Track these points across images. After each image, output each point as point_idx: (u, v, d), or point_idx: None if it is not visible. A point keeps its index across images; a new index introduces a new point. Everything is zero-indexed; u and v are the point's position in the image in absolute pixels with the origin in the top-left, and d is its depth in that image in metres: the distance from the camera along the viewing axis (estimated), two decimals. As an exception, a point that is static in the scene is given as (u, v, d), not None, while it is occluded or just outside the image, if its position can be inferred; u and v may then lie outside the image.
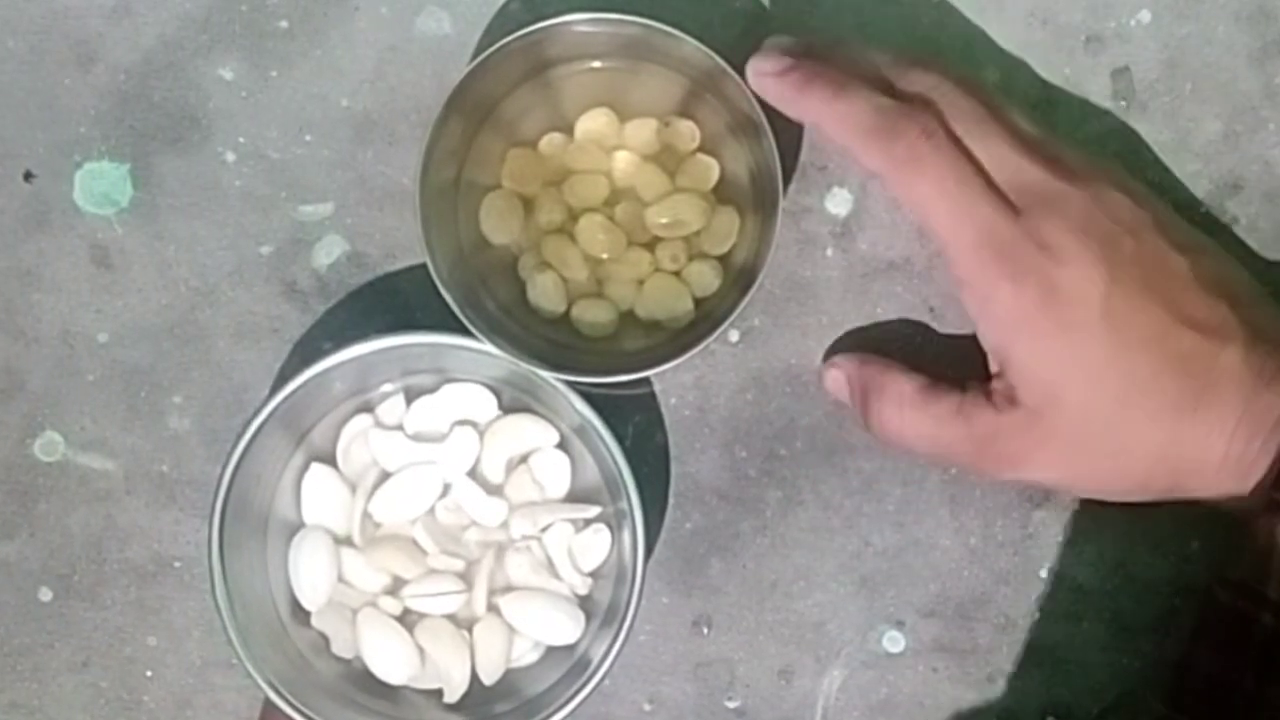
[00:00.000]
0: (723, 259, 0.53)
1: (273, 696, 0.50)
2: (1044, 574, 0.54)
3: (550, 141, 0.54)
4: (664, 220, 0.53)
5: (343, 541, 0.53)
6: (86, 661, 0.55)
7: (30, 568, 0.55)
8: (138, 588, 0.55)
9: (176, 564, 0.55)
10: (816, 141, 0.55)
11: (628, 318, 0.53)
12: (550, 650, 0.53)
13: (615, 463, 0.51)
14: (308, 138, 0.55)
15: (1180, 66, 0.55)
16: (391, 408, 0.54)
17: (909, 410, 0.50)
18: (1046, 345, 0.47)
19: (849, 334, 0.55)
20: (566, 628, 0.52)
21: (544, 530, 0.53)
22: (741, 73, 0.50)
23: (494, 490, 0.53)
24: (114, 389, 0.55)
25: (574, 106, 0.54)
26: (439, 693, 0.53)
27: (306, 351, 0.55)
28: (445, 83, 0.51)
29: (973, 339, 0.53)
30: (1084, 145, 0.54)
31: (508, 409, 0.54)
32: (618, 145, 0.53)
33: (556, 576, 0.53)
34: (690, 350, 0.50)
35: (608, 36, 0.51)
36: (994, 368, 0.49)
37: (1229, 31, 0.55)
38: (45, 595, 0.55)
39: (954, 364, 0.54)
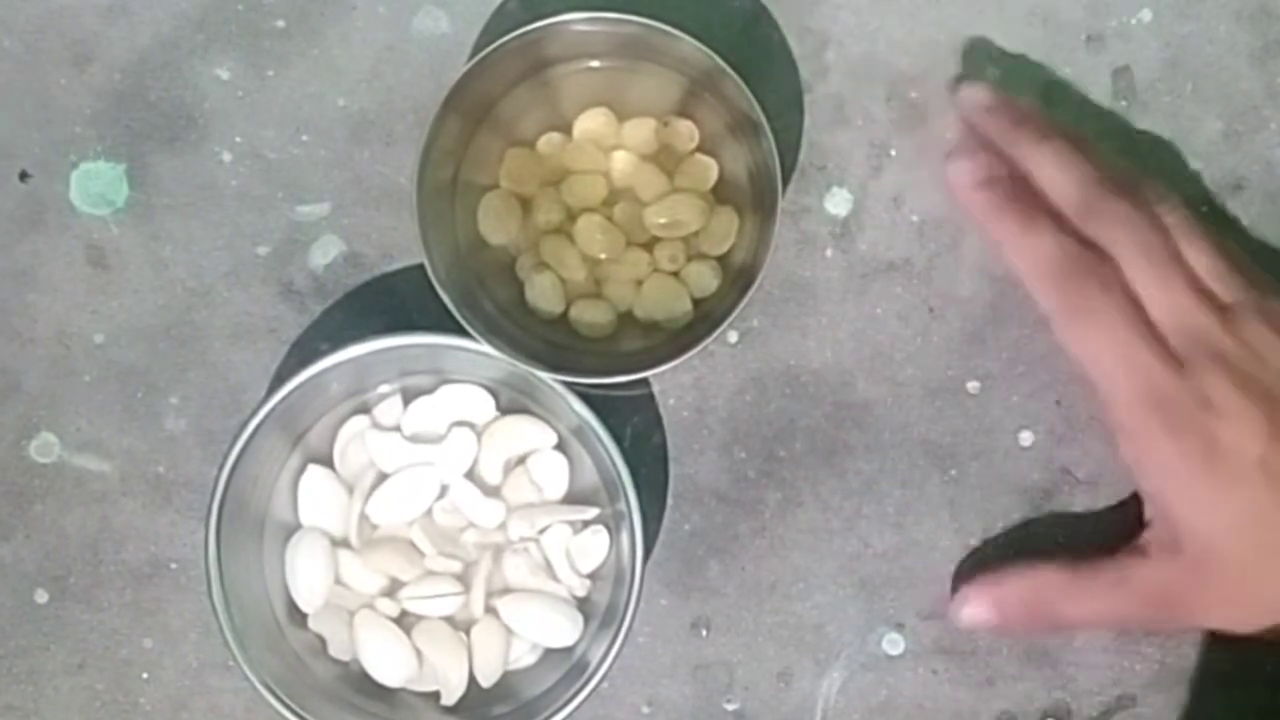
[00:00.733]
0: (721, 259, 0.53)
1: (269, 699, 0.50)
2: (1044, 576, 0.54)
3: (548, 141, 0.54)
4: (662, 220, 0.52)
5: (340, 543, 0.53)
6: (82, 664, 0.55)
7: (26, 569, 0.55)
8: (134, 590, 0.55)
9: (173, 566, 0.55)
10: (815, 141, 0.55)
11: (626, 318, 0.53)
12: (548, 652, 0.53)
13: (613, 464, 0.50)
14: (304, 137, 0.55)
15: (1181, 66, 0.54)
16: (389, 409, 0.53)
17: (1074, 598, 0.50)
18: (1205, 498, 0.48)
19: (849, 335, 0.54)
20: (564, 629, 0.52)
21: (542, 532, 0.53)
22: (740, 72, 0.49)
23: (492, 492, 0.53)
24: (110, 390, 0.55)
25: (572, 106, 0.53)
26: (436, 695, 0.52)
27: (303, 352, 0.55)
28: (443, 82, 0.51)
29: (973, 340, 0.53)
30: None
31: (505, 410, 0.54)
32: (616, 145, 0.53)
33: (554, 578, 0.53)
34: (689, 351, 0.50)
35: (606, 36, 0.51)
36: (1149, 514, 0.50)
37: (1230, 30, 0.54)
38: (41, 597, 0.55)
39: (953, 364, 0.54)
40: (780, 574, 0.54)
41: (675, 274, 0.53)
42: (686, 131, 0.53)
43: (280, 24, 0.55)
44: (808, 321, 0.55)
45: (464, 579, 0.53)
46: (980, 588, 0.52)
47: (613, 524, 0.53)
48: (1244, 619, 0.49)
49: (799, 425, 0.55)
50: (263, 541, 0.53)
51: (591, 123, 0.53)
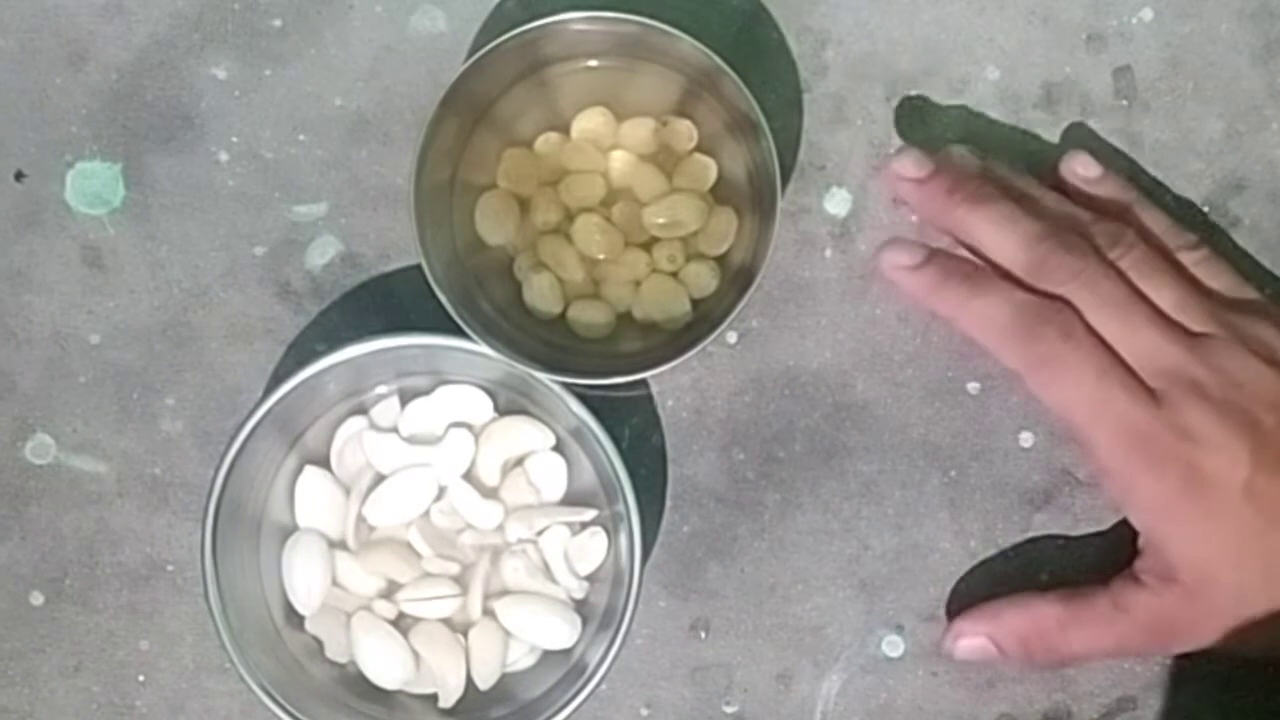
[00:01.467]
0: (720, 259, 0.53)
1: (266, 701, 0.50)
2: (1045, 578, 0.54)
3: (546, 141, 0.53)
4: (661, 220, 0.52)
5: (337, 545, 0.53)
6: (78, 666, 0.55)
7: (21, 571, 0.55)
8: (130, 591, 0.55)
9: (169, 568, 0.55)
10: (814, 140, 0.54)
11: (625, 319, 0.53)
12: (546, 654, 0.53)
13: (612, 465, 0.50)
14: (301, 137, 0.55)
15: (1182, 65, 0.54)
16: (386, 410, 0.53)
17: (1071, 630, 0.50)
18: (1194, 527, 0.48)
19: (849, 336, 0.54)
20: (563, 632, 0.52)
21: (540, 533, 0.52)
22: (739, 71, 0.49)
23: (489, 493, 0.53)
24: (106, 391, 0.55)
25: (570, 105, 0.53)
26: (434, 697, 0.52)
27: (300, 353, 0.55)
28: (440, 82, 0.51)
29: (972, 341, 0.53)
30: (1085, 145, 0.54)
31: (503, 411, 0.53)
32: (614, 145, 0.53)
33: (552, 580, 0.52)
34: (688, 352, 0.50)
35: (604, 35, 0.51)
36: (1142, 544, 0.50)
37: (1232, 30, 0.54)
38: (36, 599, 0.55)
39: (953, 365, 0.54)
40: (779, 576, 0.54)
41: (674, 274, 0.53)
42: (685, 131, 0.53)
43: (277, 23, 0.55)
44: (807, 322, 0.54)
45: (462, 581, 0.52)
46: (975, 622, 0.52)
47: (611, 526, 0.52)
48: (1242, 642, 0.49)
49: (798, 426, 0.54)
50: (259, 543, 0.53)
51: (590, 122, 0.53)
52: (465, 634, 0.52)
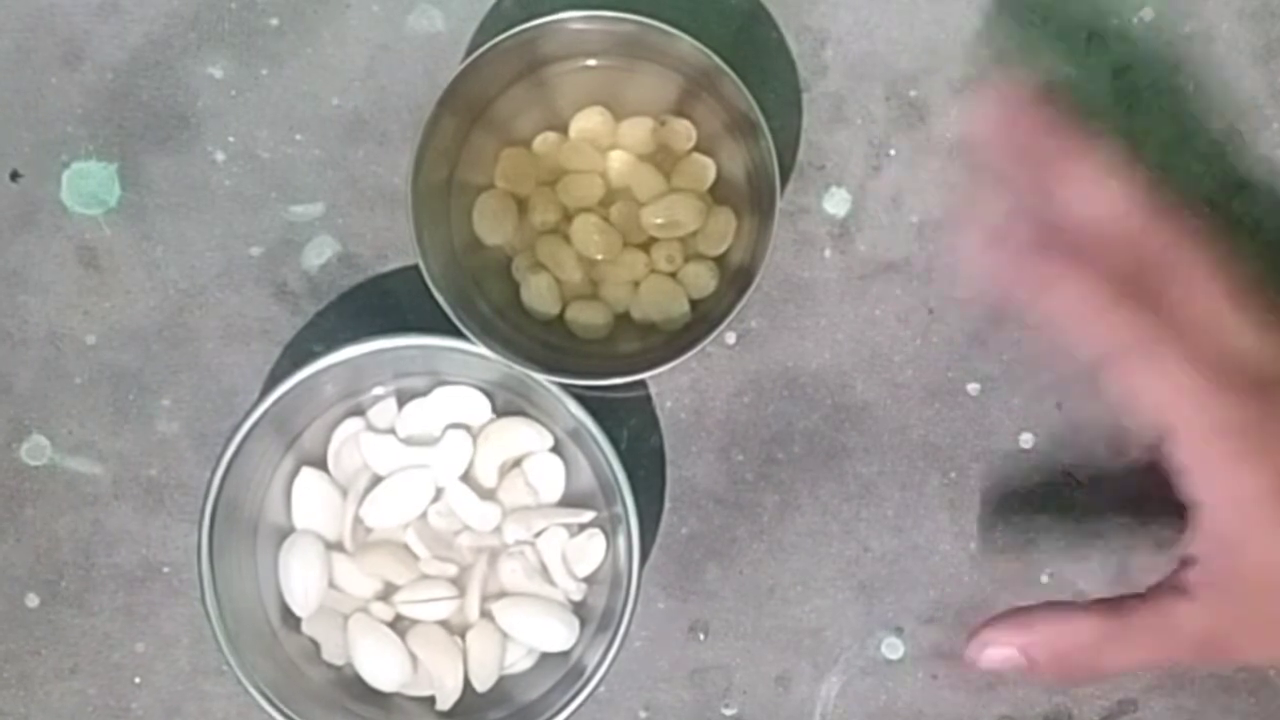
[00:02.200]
0: (719, 260, 0.53)
1: (262, 704, 0.49)
2: (1045, 579, 0.54)
3: (544, 141, 0.53)
4: (660, 221, 0.52)
5: (334, 546, 0.53)
6: (74, 668, 0.55)
7: (17, 573, 0.55)
8: (126, 593, 0.55)
9: (165, 569, 0.55)
10: (813, 140, 0.54)
11: (623, 320, 0.53)
12: (544, 657, 0.53)
13: (610, 467, 0.50)
14: (298, 137, 0.55)
15: (1183, 65, 0.54)
16: (383, 411, 0.53)
17: (1114, 647, 0.46)
18: None
19: (848, 336, 0.54)
20: (560, 634, 0.52)
21: (538, 535, 0.52)
22: (738, 71, 0.49)
23: (487, 494, 0.53)
24: (102, 392, 0.55)
25: (568, 105, 0.53)
26: (431, 700, 0.52)
27: (297, 354, 0.55)
28: (437, 81, 0.50)
29: (973, 341, 0.53)
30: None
31: (501, 412, 0.53)
32: (613, 145, 0.53)
33: (550, 582, 0.52)
34: (686, 353, 0.50)
35: (602, 34, 0.51)
36: (1196, 552, 0.46)
37: (1233, 29, 0.54)
38: (32, 601, 0.55)
39: (953, 366, 0.54)
40: (778, 577, 0.54)
41: (672, 275, 0.53)
42: (684, 131, 0.53)
43: (274, 22, 0.55)
44: (806, 323, 0.54)
45: (459, 583, 0.52)
46: (1005, 631, 0.47)
47: (609, 527, 0.52)
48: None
49: (797, 427, 0.54)
50: (256, 545, 0.53)
51: (588, 122, 0.53)
52: (463, 636, 0.52)
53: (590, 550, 0.52)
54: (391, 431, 0.53)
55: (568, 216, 0.53)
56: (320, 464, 0.53)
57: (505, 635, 0.52)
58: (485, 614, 0.52)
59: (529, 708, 0.52)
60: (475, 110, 0.53)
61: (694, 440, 0.54)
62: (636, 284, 0.53)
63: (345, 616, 0.52)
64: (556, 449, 0.53)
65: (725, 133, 0.53)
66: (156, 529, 0.55)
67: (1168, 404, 0.45)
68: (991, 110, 0.47)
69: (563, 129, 0.53)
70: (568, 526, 0.52)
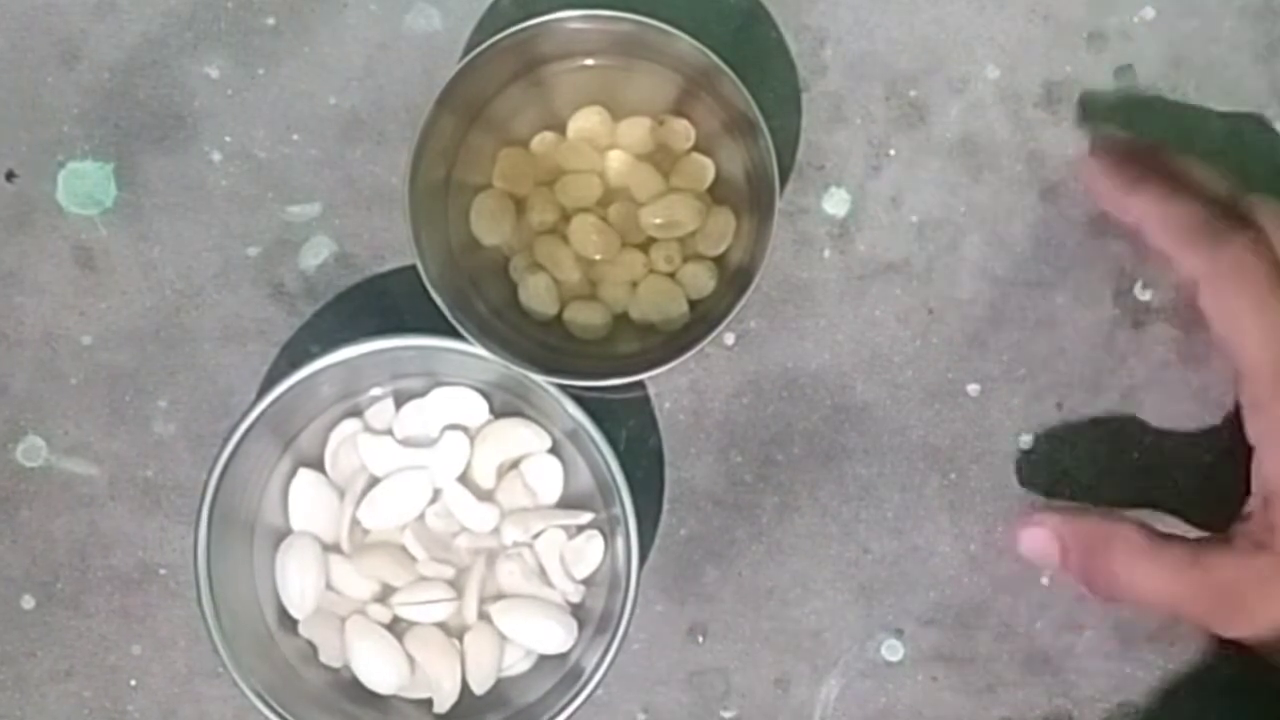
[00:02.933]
0: (718, 260, 0.53)
1: (259, 706, 0.49)
2: (1045, 581, 0.54)
3: (542, 140, 0.53)
4: (658, 221, 0.52)
5: (331, 548, 0.53)
6: (70, 671, 0.55)
7: (12, 575, 0.55)
8: (122, 595, 0.55)
9: (161, 571, 0.55)
10: (813, 140, 0.54)
11: (621, 320, 0.53)
12: (542, 659, 0.53)
13: (608, 468, 0.50)
14: (295, 137, 0.55)
15: (1185, 64, 0.54)
16: (380, 412, 0.53)
17: (1141, 562, 0.47)
18: None
19: (848, 337, 0.54)
20: (559, 636, 0.52)
21: (536, 537, 0.52)
22: (737, 70, 0.49)
23: (485, 496, 0.53)
24: (98, 393, 0.55)
25: (566, 105, 0.53)
26: (429, 702, 0.52)
27: (294, 354, 0.54)
28: (435, 80, 0.50)
29: (973, 342, 0.53)
30: (1087, 143, 0.53)
31: (499, 413, 0.53)
32: (611, 144, 0.53)
33: (548, 584, 0.52)
34: (685, 353, 0.49)
35: (601, 33, 0.51)
36: (1250, 507, 0.47)
37: (1235, 28, 0.54)
38: (28, 603, 0.55)
39: (953, 367, 0.54)
40: (778, 579, 0.54)
41: (671, 275, 0.53)
42: (682, 130, 0.53)
43: (270, 21, 0.55)
44: (805, 323, 0.54)
45: (457, 584, 0.52)
46: (1053, 517, 0.49)
47: (608, 529, 0.52)
48: None
49: (796, 428, 0.54)
50: (253, 546, 0.52)
51: (586, 122, 0.53)
52: (460, 638, 0.52)
53: (588, 552, 0.52)
54: (389, 432, 0.53)
55: (566, 216, 0.53)
56: (317, 465, 0.53)
57: (503, 637, 0.52)
58: (483, 616, 0.52)
59: (527, 710, 0.51)
60: (473, 110, 0.52)
61: (693, 441, 0.54)
62: (635, 284, 0.53)
63: (342, 618, 0.52)
64: (555, 450, 0.53)
65: (724, 132, 0.53)
66: (153, 530, 0.55)
67: (1248, 334, 0.45)
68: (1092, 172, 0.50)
69: (561, 129, 0.53)
70: (566, 528, 0.52)
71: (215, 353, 0.55)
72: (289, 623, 0.52)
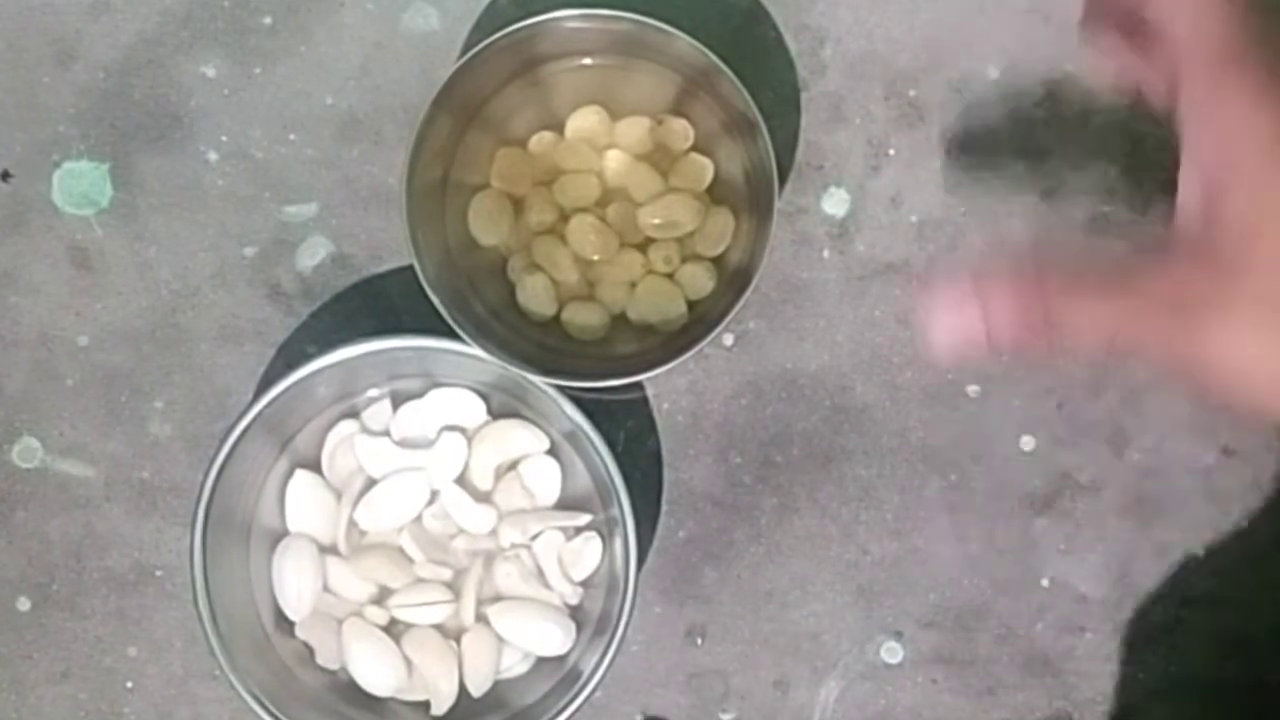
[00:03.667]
0: (717, 261, 0.53)
1: (256, 708, 0.49)
2: (1045, 583, 0.54)
3: (540, 140, 0.53)
4: (657, 221, 0.52)
5: (328, 550, 0.52)
6: (66, 672, 0.54)
7: (8, 576, 0.55)
8: (118, 597, 0.54)
9: (158, 573, 0.54)
10: (812, 140, 0.54)
11: (619, 321, 0.53)
12: (540, 661, 0.52)
13: (607, 469, 0.50)
14: (292, 136, 0.55)
15: (1185, 64, 0.54)
16: (378, 413, 0.53)
17: (1078, 302, 0.39)
18: (1273, 182, 0.38)
19: (847, 338, 0.54)
20: (557, 638, 0.52)
21: (534, 538, 0.52)
22: (736, 70, 0.49)
23: (483, 497, 0.52)
24: (94, 393, 0.55)
25: (565, 104, 0.53)
26: (426, 705, 0.52)
27: (290, 355, 0.54)
28: (432, 80, 0.50)
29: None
30: (1087, 145, 0.53)
31: (497, 414, 0.53)
32: (609, 144, 0.53)
33: (546, 586, 0.52)
34: (684, 354, 0.49)
35: (599, 32, 0.51)
36: (1186, 201, 0.39)
37: (1235, 28, 0.54)
38: (23, 605, 0.55)
39: (953, 368, 0.54)
40: (777, 581, 0.54)
41: (670, 275, 0.52)
42: (681, 130, 0.53)
43: (267, 21, 0.55)
44: (805, 324, 0.54)
45: (454, 586, 0.52)
46: (958, 286, 0.39)
47: (606, 530, 0.52)
48: (1263, 355, 0.38)
49: (796, 430, 0.54)
50: (249, 548, 0.52)
51: (584, 121, 0.53)
52: (458, 640, 0.52)
53: (586, 553, 0.52)
54: (386, 434, 0.53)
55: (564, 217, 0.53)
56: (314, 466, 0.53)
57: (501, 639, 0.52)
58: (481, 618, 0.52)
59: (525, 713, 0.51)
60: (471, 109, 0.52)
61: (691, 443, 0.54)
62: (633, 285, 0.53)
63: (339, 620, 0.52)
64: (552, 451, 0.53)
65: (723, 132, 0.52)
66: (149, 532, 0.54)
67: (1188, 12, 0.40)
68: None
69: (559, 128, 0.53)
70: (564, 529, 0.52)
71: (211, 353, 0.55)
72: (286, 625, 0.52)
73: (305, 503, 0.53)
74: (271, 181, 0.55)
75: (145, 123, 0.55)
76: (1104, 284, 0.39)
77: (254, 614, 0.52)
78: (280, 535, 0.53)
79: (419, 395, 0.53)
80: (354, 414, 0.53)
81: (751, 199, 0.52)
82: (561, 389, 0.50)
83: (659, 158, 0.53)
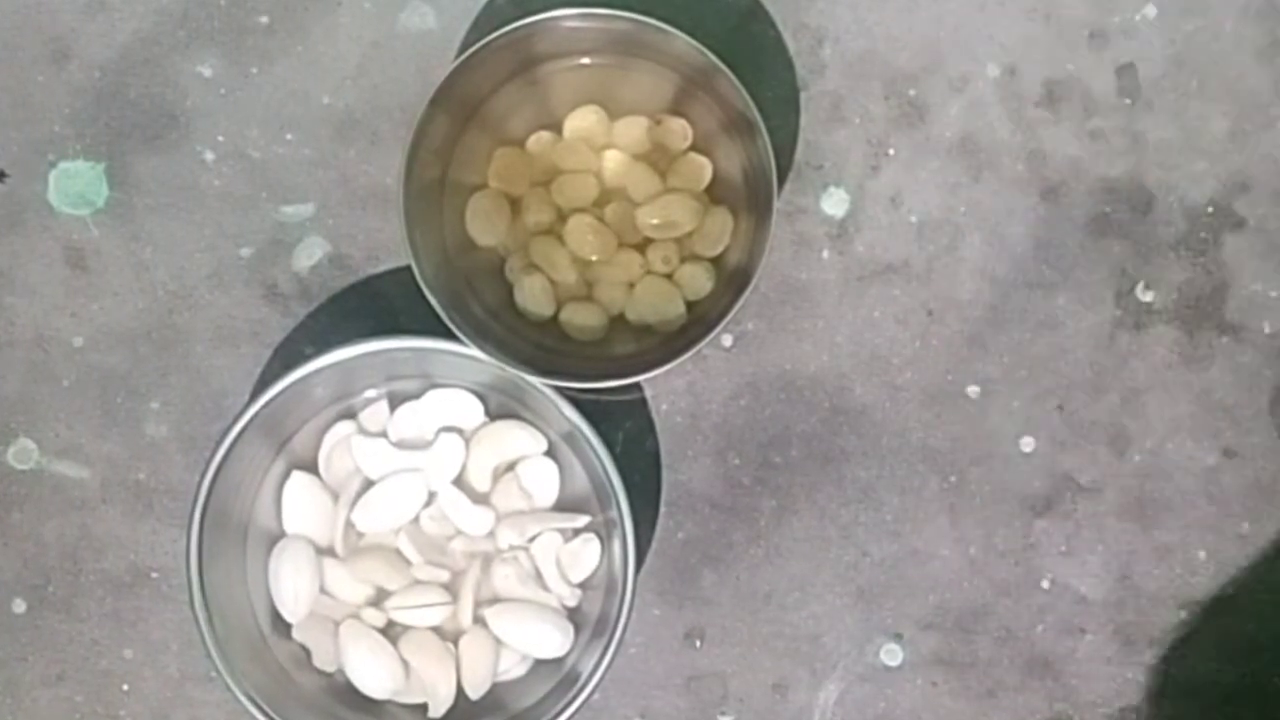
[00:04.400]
0: (716, 261, 0.52)
1: (252, 711, 0.49)
2: (1045, 585, 0.53)
3: (538, 140, 0.53)
4: (655, 221, 0.52)
5: (325, 552, 0.52)
6: (61, 675, 0.54)
7: (3, 578, 0.54)
8: (114, 599, 0.54)
9: (154, 575, 0.54)
10: (811, 139, 0.54)
11: (618, 321, 0.53)
12: (538, 663, 0.52)
13: (605, 470, 0.50)
14: (289, 136, 0.54)
15: (1187, 63, 0.54)
16: (375, 414, 0.53)
17: None
18: None
19: (846, 339, 0.54)
20: (555, 640, 0.51)
21: (532, 540, 0.52)
22: (734, 69, 0.49)
23: (480, 499, 0.52)
24: (89, 394, 0.54)
25: (563, 104, 0.53)
26: (424, 707, 0.52)
27: (287, 356, 0.54)
28: (430, 79, 0.50)
29: (973, 344, 0.53)
30: (1087, 145, 0.53)
31: (494, 415, 0.53)
32: (608, 144, 0.53)
33: (545, 587, 0.52)
34: (682, 355, 0.49)
35: (597, 32, 0.51)
36: None
37: (1237, 26, 0.54)
38: (19, 607, 0.54)
39: (953, 368, 0.54)
40: (776, 583, 0.54)
41: (668, 276, 0.52)
42: (680, 130, 0.52)
43: (264, 20, 0.55)
44: (804, 325, 0.54)
45: (452, 588, 0.52)
46: None
47: (604, 532, 0.52)
48: None
49: (795, 431, 0.54)
50: (246, 550, 0.52)
51: (582, 121, 0.52)
52: (455, 642, 0.52)
53: (585, 555, 0.52)
54: (383, 435, 0.52)
55: (562, 217, 0.52)
56: (311, 468, 0.53)
57: (498, 641, 0.52)
58: (478, 620, 0.52)
59: (523, 715, 0.51)
60: (468, 109, 0.52)
61: (690, 444, 0.54)
62: (632, 285, 0.52)
63: (336, 623, 0.52)
64: (550, 453, 0.53)
65: (722, 132, 0.52)
66: (145, 533, 0.54)
67: None
68: None
69: (557, 128, 0.53)
70: (562, 531, 0.52)
71: (208, 354, 0.54)
72: (282, 627, 0.52)
73: (302, 504, 0.52)
74: (268, 181, 0.54)
75: (141, 122, 0.55)
76: None
77: (250, 616, 0.52)
78: (277, 537, 0.52)
79: (416, 396, 0.53)
80: (351, 415, 0.53)
81: (750, 199, 0.52)
82: (560, 390, 0.50)
83: (657, 157, 0.53)
